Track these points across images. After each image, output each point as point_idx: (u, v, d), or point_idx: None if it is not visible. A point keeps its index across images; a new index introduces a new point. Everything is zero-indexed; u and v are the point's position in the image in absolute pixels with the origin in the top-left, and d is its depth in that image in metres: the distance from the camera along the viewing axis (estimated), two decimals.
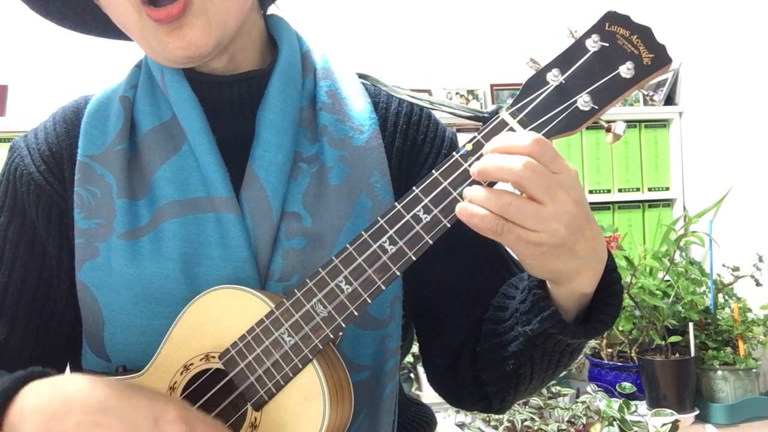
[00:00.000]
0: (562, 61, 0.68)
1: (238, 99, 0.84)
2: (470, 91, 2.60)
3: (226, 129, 0.83)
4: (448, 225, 0.67)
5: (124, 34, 0.82)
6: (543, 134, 0.66)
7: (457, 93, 2.58)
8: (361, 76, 0.92)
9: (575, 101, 0.67)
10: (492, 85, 2.60)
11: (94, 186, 0.81)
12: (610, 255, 0.72)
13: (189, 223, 0.79)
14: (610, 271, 0.72)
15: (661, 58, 0.67)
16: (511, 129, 0.67)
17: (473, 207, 0.63)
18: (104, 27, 0.85)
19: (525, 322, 0.73)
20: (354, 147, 0.83)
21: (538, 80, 0.69)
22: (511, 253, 0.88)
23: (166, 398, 0.67)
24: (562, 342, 0.75)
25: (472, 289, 0.86)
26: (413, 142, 0.88)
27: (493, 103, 2.60)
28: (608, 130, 0.68)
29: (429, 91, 2.51)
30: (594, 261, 0.67)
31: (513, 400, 0.85)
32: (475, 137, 0.68)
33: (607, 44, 0.67)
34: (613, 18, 0.68)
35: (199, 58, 0.76)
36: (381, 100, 0.89)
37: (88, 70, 2.18)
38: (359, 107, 0.86)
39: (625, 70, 0.66)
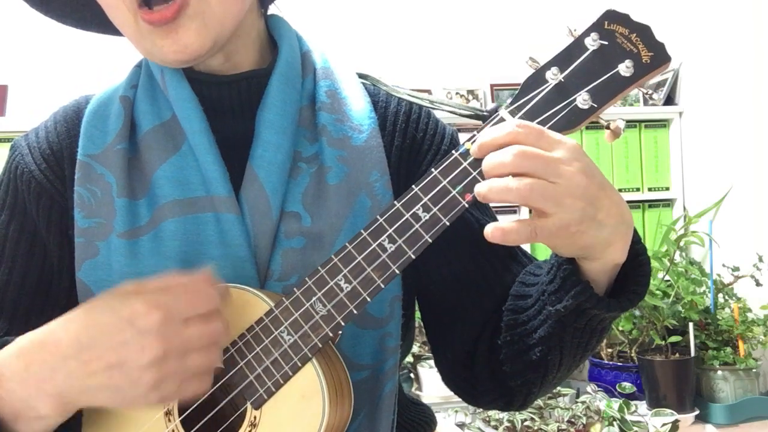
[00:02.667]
0: (561, 60, 0.68)
1: (237, 99, 0.84)
2: (470, 91, 2.60)
3: (225, 129, 0.83)
4: (447, 223, 0.67)
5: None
6: None
7: (457, 93, 2.58)
8: (361, 76, 0.92)
9: (574, 99, 0.67)
10: (492, 85, 2.60)
11: (94, 185, 0.81)
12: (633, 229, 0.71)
13: (189, 222, 0.79)
14: (634, 243, 0.71)
15: (660, 57, 0.67)
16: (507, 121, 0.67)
17: (503, 225, 0.63)
18: (104, 24, 0.85)
19: (556, 300, 0.71)
20: (353, 146, 0.83)
21: (537, 79, 0.69)
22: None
23: (124, 297, 0.66)
24: (594, 318, 0.73)
25: (480, 282, 0.85)
26: (412, 140, 0.88)
27: (493, 103, 2.60)
28: (607, 127, 0.68)
29: (429, 91, 2.51)
30: (622, 228, 0.66)
31: (538, 394, 0.83)
32: (474, 136, 0.68)
33: (606, 42, 0.67)
34: (612, 16, 0.68)
35: (193, 60, 0.77)
36: (380, 100, 0.89)
37: (88, 70, 2.18)
38: (358, 107, 0.86)
39: (624, 68, 0.66)
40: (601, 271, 0.70)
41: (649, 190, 2.54)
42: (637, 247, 0.71)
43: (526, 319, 0.77)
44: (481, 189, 0.64)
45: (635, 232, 0.71)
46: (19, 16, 2.25)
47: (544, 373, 0.79)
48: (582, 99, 0.67)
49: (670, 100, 2.55)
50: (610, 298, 0.71)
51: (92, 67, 2.15)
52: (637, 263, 0.72)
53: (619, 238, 0.67)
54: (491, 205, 0.88)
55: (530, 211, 0.66)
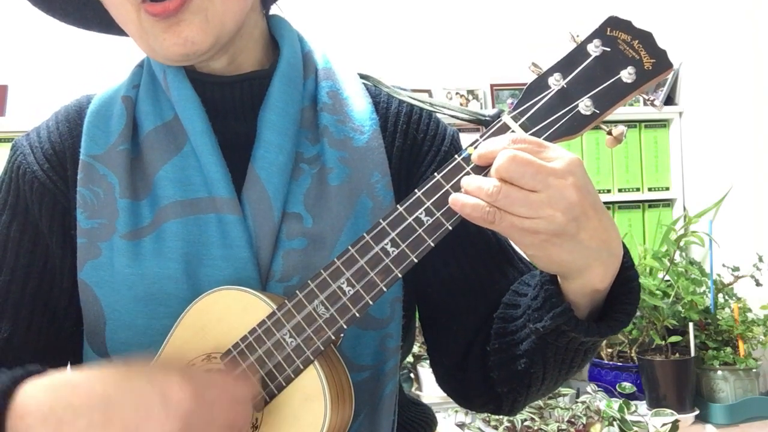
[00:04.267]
0: (563, 66, 0.69)
1: (239, 99, 0.84)
2: (470, 91, 2.59)
3: (227, 129, 0.83)
4: (450, 228, 0.67)
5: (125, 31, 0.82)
6: (544, 138, 0.67)
7: (457, 93, 2.58)
8: (362, 76, 0.92)
9: (577, 105, 0.67)
10: (492, 85, 2.60)
11: (97, 186, 0.81)
12: (627, 252, 0.71)
13: (191, 223, 0.79)
14: (627, 268, 0.70)
15: (662, 64, 0.67)
16: (513, 132, 0.67)
17: (464, 197, 0.64)
18: (106, 23, 0.85)
19: (537, 318, 0.72)
20: (354, 147, 0.83)
21: (540, 84, 0.69)
22: (519, 250, 0.88)
23: (164, 369, 0.66)
24: (575, 340, 0.73)
25: (476, 286, 0.85)
26: (413, 141, 0.88)
27: (493, 103, 2.60)
28: (609, 133, 0.68)
29: (429, 92, 2.51)
30: (604, 255, 0.66)
31: (525, 402, 0.83)
32: (477, 141, 0.68)
33: (608, 49, 0.68)
34: (614, 23, 0.68)
35: (195, 55, 0.76)
36: (381, 100, 0.90)
37: (88, 70, 2.17)
38: (360, 108, 0.87)
39: (627, 75, 0.67)
40: (580, 294, 0.69)
41: (649, 190, 2.54)
42: (629, 272, 0.71)
43: (514, 329, 0.78)
44: (454, 196, 0.65)
45: (628, 255, 0.71)
46: (19, 15, 2.25)
47: (528, 384, 0.79)
48: (584, 105, 0.67)
49: (670, 100, 2.55)
50: (598, 321, 0.71)
51: (92, 67, 2.14)
52: (626, 289, 0.71)
53: (599, 264, 0.66)
54: None
55: None
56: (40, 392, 0.65)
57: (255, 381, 0.70)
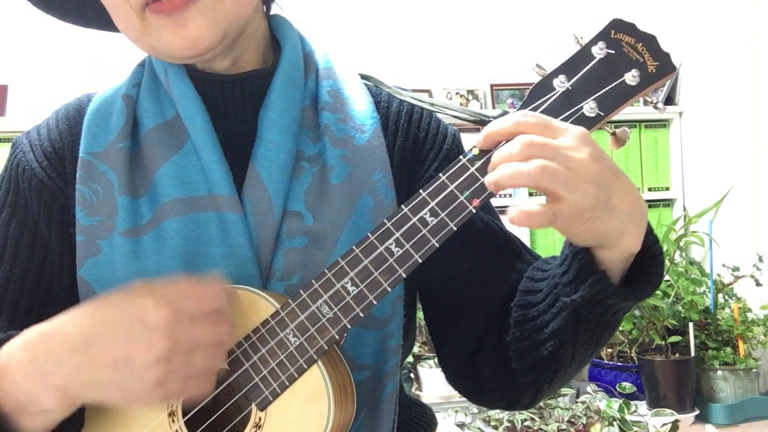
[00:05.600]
0: (568, 68, 0.69)
1: (240, 98, 0.84)
2: (470, 91, 2.59)
3: (228, 128, 0.83)
4: (455, 228, 0.67)
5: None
6: None
7: (457, 93, 2.58)
8: (363, 77, 0.92)
9: (581, 107, 0.68)
10: (492, 85, 2.60)
11: (96, 183, 0.81)
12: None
13: (191, 221, 0.79)
14: (647, 233, 0.70)
15: (665, 66, 0.68)
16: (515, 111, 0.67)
17: (526, 209, 0.63)
18: (105, 21, 0.85)
19: (571, 291, 0.71)
20: (355, 146, 0.83)
21: (544, 86, 0.69)
22: (523, 242, 0.88)
23: (136, 295, 0.66)
24: (610, 309, 0.72)
25: (485, 280, 0.85)
26: (414, 139, 0.88)
27: (493, 103, 2.60)
28: (613, 134, 0.69)
29: (429, 92, 2.51)
30: (637, 215, 0.66)
31: (548, 391, 0.82)
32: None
33: (612, 51, 0.68)
34: (618, 25, 0.69)
35: (199, 52, 0.76)
36: (382, 100, 0.90)
37: (88, 70, 2.17)
38: (361, 107, 0.87)
39: (631, 77, 0.67)
40: (617, 260, 0.69)
41: (649, 190, 2.55)
42: (649, 237, 0.71)
43: (537, 314, 0.77)
44: (491, 177, 0.64)
45: (648, 223, 0.70)
46: (19, 15, 2.25)
47: (555, 369, 0.78)
48: (589, 107, 0.67)
49: (670, 100, 2.55)
50: (625, 287, 0.71)
51: (93, 67, 2.14)
52: (649, 254, 0.71)
53: (633, 225, 0.66)
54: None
55: None
56: (17, 350, 0.66)
57: (224, 284, 0.70)
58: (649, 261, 0.71)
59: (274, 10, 0.92)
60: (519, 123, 0.64)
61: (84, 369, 0.64)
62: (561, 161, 0.61)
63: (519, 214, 0.62)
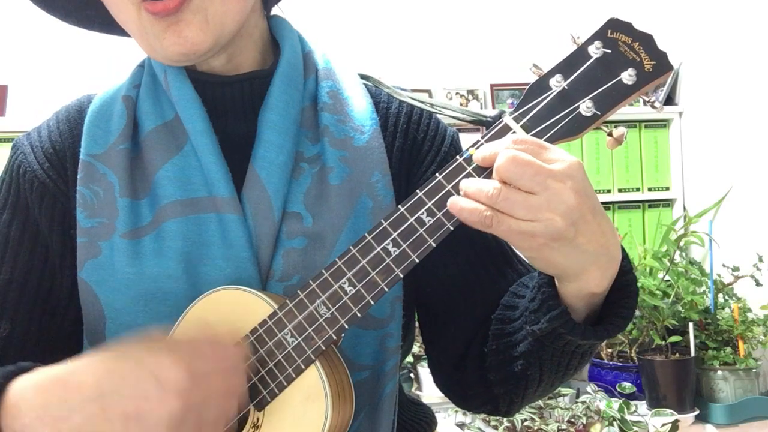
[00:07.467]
0: (564, 67, 0.69)
1: (240, 99, 0.84)
2: (470, 92, 2.60)
3: (228, 129, 0.83)
4: (451, 228, 0.67)
5: (126, 31, 0.82)
6: (545, 139, 0.67)
7: (457, 93, 2.58)
8: (362, 77, 0.92)
9: (578, 107, 0.68)
10: (492, 86, 2.61)
11: (97, 185, 0.81)
12: (626, 256, 0.70)
13: (191, 222, 0.79)
14: (625, 272, 0.70)
15: (662, 66, 0.67)
16: (514, 133, 0.67)
17: (462, 201, 0.64)
18: (108, 22, 0.85)
19: (534, 321, 0.72)
20: (355, 147, 0.83)
21: (541, 85, 0.69)
22: (518, 252, 0.88)
23: (153, 350, 0.65)
24: (571, 343, 0.73)
25: (475, 286, 0.85)
26: (413, 140, 0.88)
27: (493, 103, 2.60)
28: (610, 135, 0.68)
29: (429, 92, 2.51)
30: (603, 259, 0.66)
31: (521, 403, 0.83)
32: (479, 142, 0.68)
33: (609, 51, 0.68)
34: (615, 25, 0.68)
35: (195, 55, 0.76)
36: (382, 101, 0.90)
37: (88, 70, 2.18)
38: (360, 107, 0.87)
39: (627, 76, 0.67)
40: (576, 297, 0.69)
41: (649, 190, 2.55)
42: (627, 276, 0.71)
43: (512, 330, 0.78)
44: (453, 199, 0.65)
45: (628, 259, 0.71)
46: (19, 15, 2.25)
47: (525, 386, 0.79)
48: (585, 107, 0.67)
49: (670, 100, 2.55)
50: (595, 325, 0.71)
51: (93, 67, 2.15)
52: (624, 293, 0.71)
53: (596, 267, 0.66)
54: None
55: None
56: (30, 392, 0.65)
57: (244, 345, 0.70)
58: (621, 301, 0.71)
59: (274, 11, 0.92)
60: (515, 142, 0.64)
61: (95, 420, 0.62)
62: (536, 183, 0.61)
63: (453, 202, 0.64)
